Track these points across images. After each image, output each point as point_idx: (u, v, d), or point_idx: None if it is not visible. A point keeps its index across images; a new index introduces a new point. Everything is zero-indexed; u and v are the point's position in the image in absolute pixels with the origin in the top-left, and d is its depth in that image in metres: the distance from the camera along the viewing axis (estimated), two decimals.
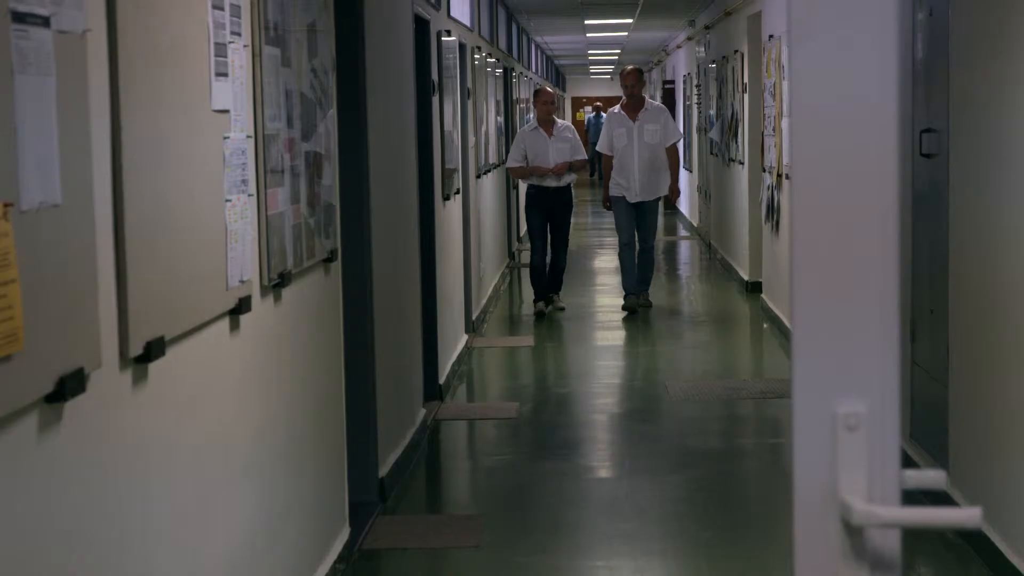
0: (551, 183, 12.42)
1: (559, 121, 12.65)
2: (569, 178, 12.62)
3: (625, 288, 12.69)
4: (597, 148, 12.95)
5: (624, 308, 12.58)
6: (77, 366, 2.73)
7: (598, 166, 36.44)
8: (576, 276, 15.55)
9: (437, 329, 8.90)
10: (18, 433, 2.55)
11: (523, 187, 13.45)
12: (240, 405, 4.09)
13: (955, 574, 5.54)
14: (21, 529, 2.56)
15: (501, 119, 15.76)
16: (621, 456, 7.68)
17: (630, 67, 12.91)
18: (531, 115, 15.52)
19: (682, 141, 17.00)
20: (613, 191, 12.63)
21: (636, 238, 12.65)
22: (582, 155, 12.66)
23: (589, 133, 38.39)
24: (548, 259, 12.66)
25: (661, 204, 13.33)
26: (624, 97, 12.84)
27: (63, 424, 2.73)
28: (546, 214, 12.51)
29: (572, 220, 13.07)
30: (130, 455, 3.12)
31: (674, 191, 12.87)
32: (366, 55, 6.36)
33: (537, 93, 12.76)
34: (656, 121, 12.64)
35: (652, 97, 22.75)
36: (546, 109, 12.58)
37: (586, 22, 21.46)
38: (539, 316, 12.48)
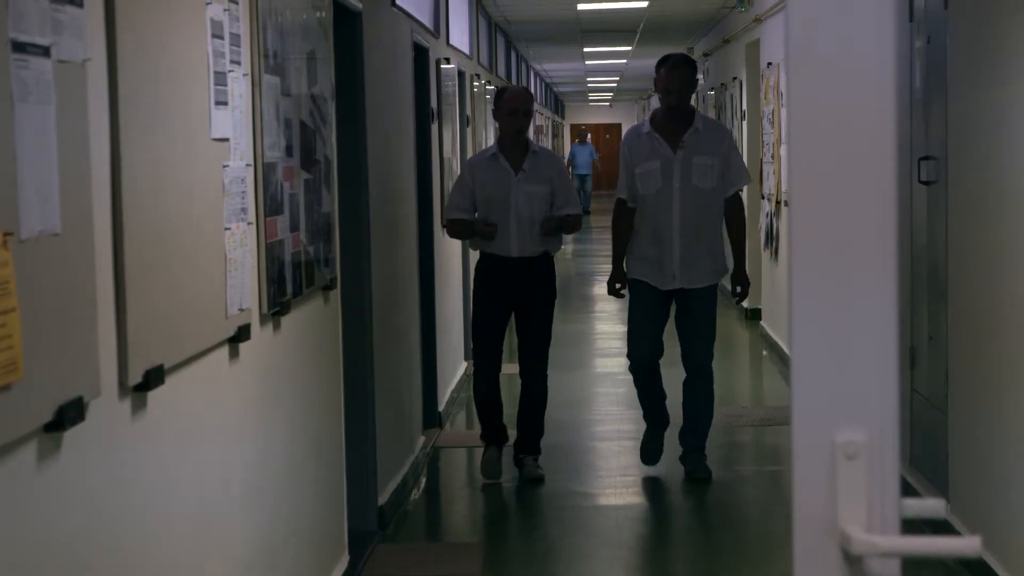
0: (513, 250, 7.29)
1: (538, 147, 7.56)
2: (548, 244, 7.35)
3: (647, 419, 7.57)
4: (619, 194, 7.43)
5: (643, 459, 7.61)
6: (76, 395, 2.73)
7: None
8: (572, 301, 15.52)
9: (436, 356, 8.89)
10: (17, 462, 2.55)
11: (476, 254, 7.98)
12: (239, 433, 4.08)
13: None
14: (20, 558, 2.55)
15: None
16: (620, 484, 7.65)
17: (677, 55, 7.46)
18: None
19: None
20: (633, 270, 7.30)
21: (661, 357, 7.40)
22: (574, 207, 7.40)
23: (573, 167, 33.31)
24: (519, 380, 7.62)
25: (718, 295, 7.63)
26: (661, 105, 7.37)
27: (62, 453, 2.72)
28: (505, 303, 7.38)
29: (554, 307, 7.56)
30: (129, 484, 3.11)
31: (743, 281, 7.36)
32: (365, 83, 6.38)
33: (500, 95, 7.48)
34: (713, 150, 7.22)
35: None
36: (515, 123, 7.35)
37: (585, 49, 21.54)
38: (490, 475, 7.49)
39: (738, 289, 7.34)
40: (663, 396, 7.44)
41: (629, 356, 7.37)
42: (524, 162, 7.34)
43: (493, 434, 7.54)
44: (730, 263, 7.41)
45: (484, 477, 7.46)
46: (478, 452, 7.88)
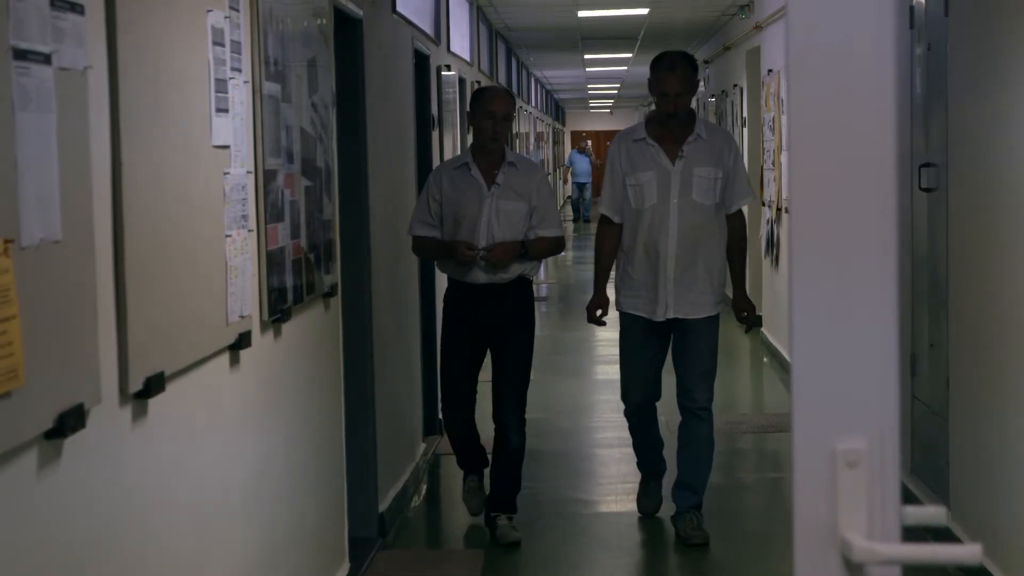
0: (480, 277, 6.36)
1: (515, 156, 6.53)
2: (520, 268, 6.42)
3: (641, 469, 6.86)
4: (602, 209, 6.52)
5: (641, 510, 6.84)
6: (77, 402, 2.73)
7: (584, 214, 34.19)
8: (573, 308, 15.49)
9: (437, 363, 8.88)
10: (18, 469, 2.55)
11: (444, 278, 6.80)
12: (240, 440, 4.08)
13: None
14: (20, 565, 2.55)
15: None
16: (621, 491, 7.65)
17: (674, 53, 6.37)
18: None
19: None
20: (623, 304, 6.50)
21: (657, 397, 6.61)
22: (552, 228, 6.44)
23: (572, 175, 33.32)
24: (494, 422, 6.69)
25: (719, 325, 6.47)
26: (656, 109, 6.39)
27: (63, 460, 2.72)
28: (477, 335, 6.51)
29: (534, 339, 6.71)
30: (129, 490, 3.11)
31: (748, 306, 6.48)
32: (366, 90, 6.38)
33: (478, 96, 6.45)
34: (716, 161, 6.28)
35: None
36: (491, 127, 6.35)
37: (585, 56, 21.55)
38: (476, 510, 6.88)
39: (744, 314, 6.43)
40: (660, 443, 6.69)
41: (624, 399, 6.55)
42: (498, 174, 6.34)
43: (472, 461, 6.82)
44: (729, 289, 6.53)
45: (471, 512, 6.87)
46: None
